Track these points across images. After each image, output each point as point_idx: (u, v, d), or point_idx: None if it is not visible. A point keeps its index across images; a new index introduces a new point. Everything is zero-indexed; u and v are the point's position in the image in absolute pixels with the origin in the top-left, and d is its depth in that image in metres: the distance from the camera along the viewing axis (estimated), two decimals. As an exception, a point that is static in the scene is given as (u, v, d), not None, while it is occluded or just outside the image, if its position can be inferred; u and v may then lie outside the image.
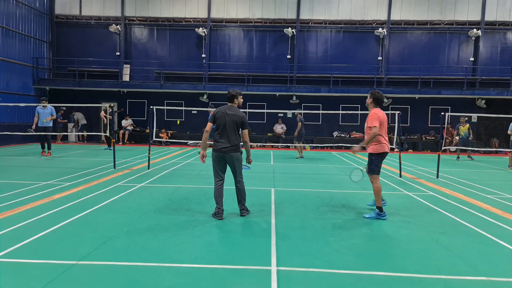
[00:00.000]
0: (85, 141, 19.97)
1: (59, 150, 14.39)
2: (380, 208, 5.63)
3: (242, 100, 5.77)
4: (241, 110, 5.76)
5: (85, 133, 18.86)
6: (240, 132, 5.56)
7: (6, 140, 16.50)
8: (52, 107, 12.85)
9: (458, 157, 15.38)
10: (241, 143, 5.63)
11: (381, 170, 5.83)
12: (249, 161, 5.72)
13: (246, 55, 20.90)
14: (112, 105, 15.17)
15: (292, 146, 15.39)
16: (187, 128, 20.44)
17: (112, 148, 15.43)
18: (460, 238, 4.81)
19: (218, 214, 5.44)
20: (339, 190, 7.96)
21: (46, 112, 12.63)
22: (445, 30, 20.40)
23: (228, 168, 5.64)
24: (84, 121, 20.11)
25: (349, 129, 20.38)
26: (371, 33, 20.43)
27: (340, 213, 5.99)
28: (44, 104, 12.60)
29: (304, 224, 5.25)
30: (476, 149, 16.39)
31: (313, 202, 6.70)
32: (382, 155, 5.70)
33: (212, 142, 5.64)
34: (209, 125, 5.58)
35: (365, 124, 5.74)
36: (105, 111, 17.07)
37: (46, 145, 12.80)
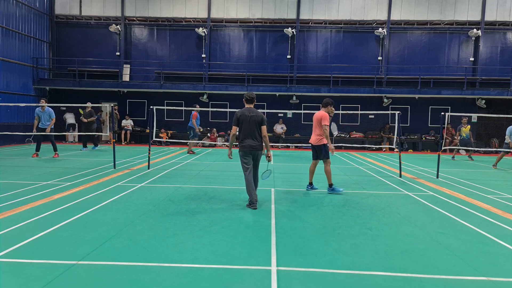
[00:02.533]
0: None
1: (59, 151, 14.36)
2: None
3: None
4: (240, 110, 6.18)
5: (74, 133, 18.93)
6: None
7: (6, 140, 16.50)
8: (51, 109, 12.60)
9: (453, 157, 15.43)
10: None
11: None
12: (268, 156, 6.34)
13: (246, 55, 20.91)
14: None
15: (292, 146, 15.42)
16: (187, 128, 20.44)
17: (87, 148, 15.69)
18: (460, 238, 4.81)
19: (252, 204, 6.08)
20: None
21: (45, 114, 12.42)
22: (445, 30, 20.41)
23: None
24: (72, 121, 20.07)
25: (349, 129, 20.39)
26: (371, 33, 20.44)
27: (340, 212, 5.99)
28: (42, 105, 12.39)
29: (304, 224, 5.25)
30: (476, 149, 16.39)
31: (313, 202, 6.70)
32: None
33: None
34: (235, 128, 6.18)
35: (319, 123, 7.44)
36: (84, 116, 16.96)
37: (41, 146, 12.65)
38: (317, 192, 7.70)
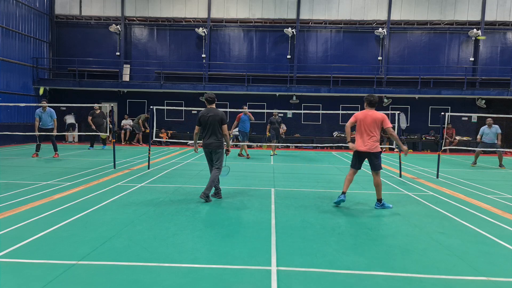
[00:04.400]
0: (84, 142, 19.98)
1: (59, 150, 14.36)
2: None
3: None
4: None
5: (74, 133, 18.99)
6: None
7: (6, 140, 16.49)
8: (52, 109, 12.57)
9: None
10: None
11: (380, 169, 6.51)
12: (227, 151, 6.75)
13: (246, 55, 20.90)
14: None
15: (292, 146, 15.40)
16: (187, 128, 20.44)
17: (105, 147, 15.96)
18: (460, 238, 4.81)
19: (218, 194, 6.76)
20: (339, 190, 7.95)
21: (46, 115, 12.38)
22: (445, 30, 20.40)
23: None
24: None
25: (349, 129, 20.34)
26: (371, 33, 20.43)
27: (340, 213, 5.99)
28: (44, 105, 12.36)
29: (304, 224, 5.25)
30: (476, 149, 16.35)
31: (313, 202, 6.70)
32: (355, 153, 6.47)
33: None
34: (197, 128, 6.67)
35: (379, 125, 6.28)
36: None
37: (41, 146, 12.69)
38: (317, 192, 7.70)
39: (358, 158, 6.42)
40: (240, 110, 13.67)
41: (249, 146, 18.57)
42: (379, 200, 6.34)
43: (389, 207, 6.32)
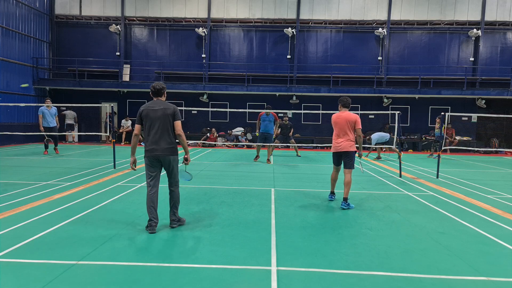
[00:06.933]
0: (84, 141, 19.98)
1: (59, 150, 14.35)
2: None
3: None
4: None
5: (74, 133, 19.00)
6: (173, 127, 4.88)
7: (6, 140, 16.50)
8: (55, 107, 13.08)
9: (431, 155, 16.09)
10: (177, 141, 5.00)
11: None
12: (186, 159, 5.06)
13: (246, 55, 20.91)
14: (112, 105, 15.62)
15: (291, 146, 15.38)
16: (187, 128, 20.44)
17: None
18: (460, 238, 4.81)
19: (151, 226, 4.72)
20: (339, 190, 7.93)
21: (51, 113, 12.79)
22: (445, 30, 20.40)
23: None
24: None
25: (349, 129, 20.33)
26: (371, 33, 20.44)
27: (340, 213, 5.99)
28: (48, 104, 12.79)
29: (304, 224, 5.25)
30: (476, 149, 16.40)
31: (313, 202, 6.70)
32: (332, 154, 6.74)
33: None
34: (138, 128, 4.87)
35: (352, 126, 6.51)
36: None
37: (49, 144, 13.13)
38: (317, 192, 7.70)
39: (336, 157, 6.70)
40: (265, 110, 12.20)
41: (249, 146, 18.57)
42: (346, 199, 6.29)
43: (352, 207, 6.32)
